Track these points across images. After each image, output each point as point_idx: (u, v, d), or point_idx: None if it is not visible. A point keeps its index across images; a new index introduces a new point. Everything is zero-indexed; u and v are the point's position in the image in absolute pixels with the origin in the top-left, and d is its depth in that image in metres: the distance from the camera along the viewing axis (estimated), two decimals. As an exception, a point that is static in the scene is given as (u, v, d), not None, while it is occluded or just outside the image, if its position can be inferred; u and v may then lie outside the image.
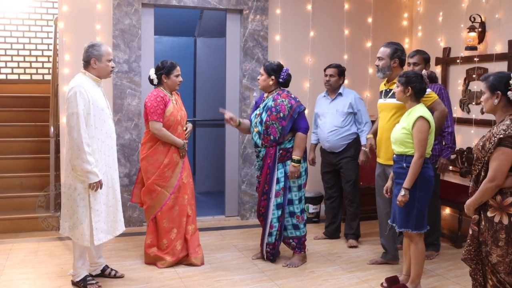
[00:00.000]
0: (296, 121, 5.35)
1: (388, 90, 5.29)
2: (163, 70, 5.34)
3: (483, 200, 3.69)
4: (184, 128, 5.48)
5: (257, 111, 5.52)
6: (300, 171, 5.41)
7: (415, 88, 4.60)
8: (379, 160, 5.39)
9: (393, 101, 5.11)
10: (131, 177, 6.57)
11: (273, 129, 5.32)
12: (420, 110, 4.58)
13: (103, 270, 5.08)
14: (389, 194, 4.92)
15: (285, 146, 5.38)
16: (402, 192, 4.52)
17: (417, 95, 4.64)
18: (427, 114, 4.56)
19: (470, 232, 3.83)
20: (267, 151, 5.39)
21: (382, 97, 5.36)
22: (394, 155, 4.77)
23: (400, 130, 4.64)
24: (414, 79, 4.62)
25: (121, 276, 5.10)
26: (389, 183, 4.92)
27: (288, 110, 5.31)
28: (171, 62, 5.40)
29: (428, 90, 4.98)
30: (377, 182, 5.46)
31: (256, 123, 5.46)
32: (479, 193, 3.69)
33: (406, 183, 4.52)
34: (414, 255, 4.69)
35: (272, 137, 5.34)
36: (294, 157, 5.33)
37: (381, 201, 5.48)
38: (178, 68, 5.40)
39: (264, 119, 5.36)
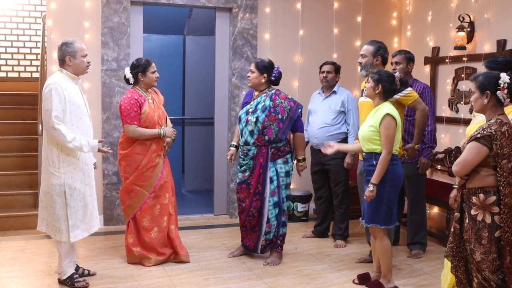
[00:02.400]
0: (295, 122, 5.43)
1: None
2: (139, 69, 5.28)
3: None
4: (164, 144, 5.44)
5: (249, 109, 5.48)
6: (293, 170, 5.55)
7: (385, 87, 4.68)
8: (360, 157, 5.44)
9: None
10: (120, 175, 6.53)
11: (270, 130, 5.32)
12: (386, 107, 4.63)
13: (76, 270, 5.00)
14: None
15: (276, 145, 5.39)
16: (370, 188, 4.59)
17: (386, 95, 4.72)
18: (394, 111, 4.62)
19: (452, 229, 3.89)
20: (259, 150, 5.38)
21: (363, 95, 5.40)
22: (364, 153, 4.83)
23: (368, 127, 4.70)
24: (386, 78, 4.69)
25: (94, 274, 5.08)
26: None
27: (288, 112, 5.36)
28: (146, 59, 5.34)
29: (409, 89, 5.06)
30: (359, 180, 5.50)
31: (249, 121, 5.41)
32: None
33: (374, 179, 4.59)
34: (380, 251, 4.78)
35: (267, 138, 5.34)
36: (300, 157, 5.54)
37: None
38: (153, 64, 5.34)
39: (261, 119, 5.33)
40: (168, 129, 5.36)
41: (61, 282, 4.82)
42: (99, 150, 4.72)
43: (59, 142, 4.52)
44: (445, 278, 4.30)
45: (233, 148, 5.71)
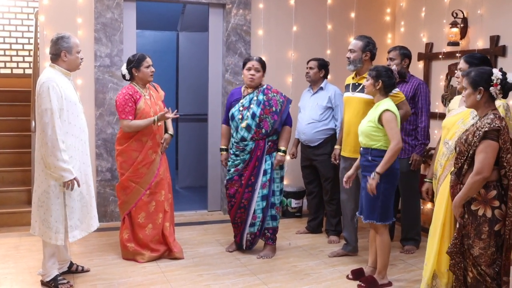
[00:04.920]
0: (286, 116, 5.53)
1: (357, 84, 5.37)
2: (133, 64, 5.27)
3: (470, 195, 3.72)
4: (162, 141, 5.44)
5: (241, 106, 5.51)
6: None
7: (385, 82, 4.69)
8: (345, 154, 5.45)
9: (361, 95, 5.21)
10: (113, 172, 6.53)
11: (266, 123, 5.40)
12: (385, 104, 4.66)
13: (70, 267, 4.99)
14: (349, 184, 5.01)
15: (272, 138, 5.50)
16: (373, 175, 4.58)
17: (386, 89, 4.74)
18: (392, 107, 4.65)
19: (457, 225, 3.87)
20: (257, 144, 5.43)
21: (350, 90, 5.41)
22: (361, 148, 4.86)
23: (367, 123, 4.74)
24: (384, 73, 4.71)
25: (88, 271, 5.07)
26: (351, 172, 5.00)
27: (281, 105, 5.47)
28: (141, 54, 5.33)
29: (396, 90, 5.03)
30: (341, 175, 5.50)
31: (244, 117, 5.45)
32: (466, 188, 3.72)
33: (379, 168, 4.57)
34: (379, 246, 4.80)
35: (264, 131, 5.41)
36: (282, 147, 5.49)
37: (345, 196, 5.58)
38: (148, 59, 5.31)
39: (257, 113, 5.40)
40: (160, 114, 5.26)
41: (44, 284, 4.69)
42: (67, 183, 4.44)
43: (48, 144, 4.31)
44: (426, 268, 4.36)
45: (225, 152, 5.75)
